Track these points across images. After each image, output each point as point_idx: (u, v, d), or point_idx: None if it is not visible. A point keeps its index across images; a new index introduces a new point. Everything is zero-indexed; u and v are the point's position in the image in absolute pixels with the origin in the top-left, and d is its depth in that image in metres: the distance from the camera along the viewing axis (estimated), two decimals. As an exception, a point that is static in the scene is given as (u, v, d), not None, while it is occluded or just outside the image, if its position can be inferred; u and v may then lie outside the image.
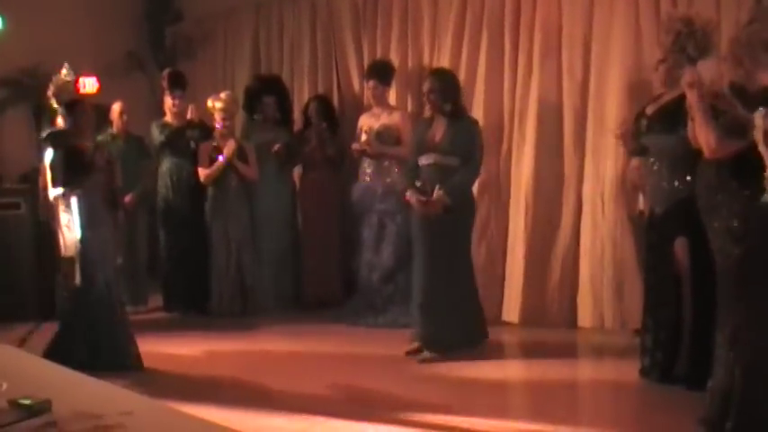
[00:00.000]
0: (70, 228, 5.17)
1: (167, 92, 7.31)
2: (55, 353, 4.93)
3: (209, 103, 6.92)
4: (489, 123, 6.27)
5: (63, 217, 5.22)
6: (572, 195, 5.99)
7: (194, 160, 7.08)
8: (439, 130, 5.36)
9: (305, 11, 7.76)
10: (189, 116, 7.20)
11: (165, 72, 7.45)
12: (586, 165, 5.89)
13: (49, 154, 5.35)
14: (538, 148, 6.05)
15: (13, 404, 2.13)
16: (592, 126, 5.85)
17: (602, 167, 5.78)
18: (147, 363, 5.26)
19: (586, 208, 5.89)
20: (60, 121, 5.47)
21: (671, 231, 4.43)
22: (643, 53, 5.60)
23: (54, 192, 5.22)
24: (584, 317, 5.95)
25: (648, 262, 4.80)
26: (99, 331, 5.17)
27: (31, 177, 7.53)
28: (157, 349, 5.66)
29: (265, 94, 7.42)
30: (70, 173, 5.17)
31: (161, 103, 7.54)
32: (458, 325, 5.38)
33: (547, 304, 6.06)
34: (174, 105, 7.26)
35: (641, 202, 5.32)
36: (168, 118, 7.31)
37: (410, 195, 5.33)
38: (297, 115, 7.59)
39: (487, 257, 6.36)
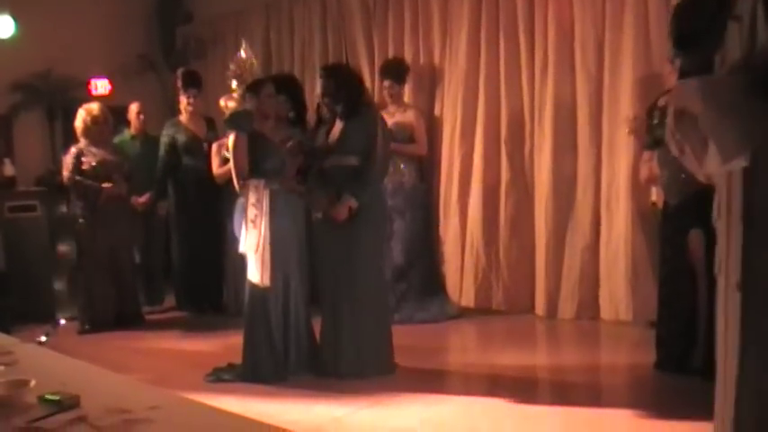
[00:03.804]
0: (256, 223, 4.78)
1: (182, 91, 7.24)
2: (244, 364, 4.85)
3: (222, 102, 6.90)
4: (512, 120, 6.35)
5: (250, 211, 4.80)
6: (590, 190, 5.99)
7: (207, 160, 7.09)
8: (336, 131, 5.07)
9: (315, 10, 7.76)
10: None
11: (179, 71, 7.38)
12: (603, 159, 5.89)
13: (231, 137, 4.92)
14: (555, 144, 6.06)
15: (42, 399, 2.17)
16: (607, 120, 5.85)
17: (616, 161, 5.78)
18: (167, 359, 5.28)
19: (603, 202, 5.90)
20: (238, 104, 5.06)
21: (686, 223, 4.43)
22: (652, 45, 5.60)
23: (241, 182, 4.84)
24: (602, 309, 5.98)
25: (663, 254, 4.81)
26: (282, 333, 4.86)
27: (47, 180, 7.60)
28: (177, 346, 5.71)
29: (279, 93, 7.42)
30: (254, 160, 4.81)
31: (173, 103, 7.54)
32: (355, 350, 4.87)
33: (567, 298, 6.09)
34: (189, 104, 7.22)
35: (654, 194, 5.33)
36: (183, 117, 7.28)
37: (316, 203, 5.03)
38: (309, 114, 7.60)
39: (519, 254, 6.41)
